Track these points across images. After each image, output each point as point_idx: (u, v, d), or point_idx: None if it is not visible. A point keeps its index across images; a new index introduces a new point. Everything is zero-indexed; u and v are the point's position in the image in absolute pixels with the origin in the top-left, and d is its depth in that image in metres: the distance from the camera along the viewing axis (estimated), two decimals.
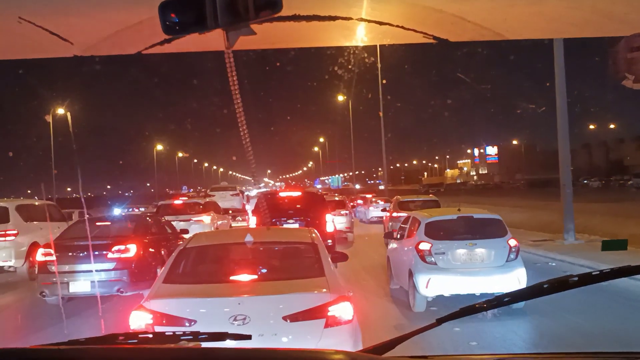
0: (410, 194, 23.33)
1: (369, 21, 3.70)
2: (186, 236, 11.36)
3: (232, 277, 4.63)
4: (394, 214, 16.92)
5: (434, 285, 7.57)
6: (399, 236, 9.31)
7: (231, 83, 2.95)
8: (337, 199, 22.71)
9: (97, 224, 10.35)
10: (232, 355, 1.38)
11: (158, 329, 3.89)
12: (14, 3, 3.78)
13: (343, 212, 19.76)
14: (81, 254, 8.57)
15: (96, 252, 8.53)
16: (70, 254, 8.67)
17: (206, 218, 16.89)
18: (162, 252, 9.91)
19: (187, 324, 3.92)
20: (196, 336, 1.74)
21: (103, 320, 7.00)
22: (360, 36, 3.98)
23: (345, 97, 40.05)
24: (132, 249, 8.89)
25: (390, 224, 16.28)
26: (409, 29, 3.67)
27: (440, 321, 1.58)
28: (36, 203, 14.98)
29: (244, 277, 4.60)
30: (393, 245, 9.60)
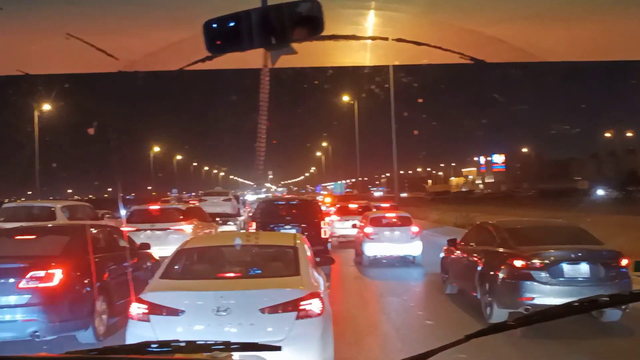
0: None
1: (407, 41, 3.80)
2: (150, 250, 9.15)
3: (219, 274, 5.23)
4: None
5: (371, 250, 13.96)
6: (359, 225, 15.58)
7: (262, 99, 3.06)
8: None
9: (16, 237, 7.69)
10: None
11: (152, 317, 4.52)
12: (63, 20, 3.91)
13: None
14: None
15: (2, 280, 6.26)
16: None
17: (187, 227, 14.38)
18: (108, 276, 7.30)
19: (179, 314, 4.51)
20: (228, 346, 1.78)
21: None
22: (397, 56, 4.08)
23: (352, 104, 39.97)
24: (56, 276, 6.39)
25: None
26: (446, 50, 3.76)
27: (468, 337, 1.58)
28: (76, 204, 15.63)
29: (229, 275, 5.22)
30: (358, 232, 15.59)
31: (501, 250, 7.84)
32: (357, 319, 8.10)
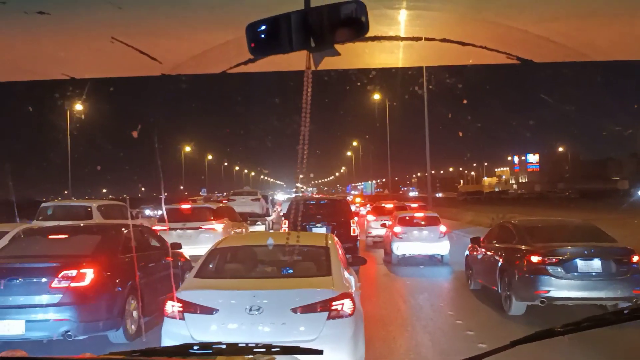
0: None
1: (451, 42, 3.71)
2: (181, 250, 9.25)
3: (251, 274, 5.34)
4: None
5: (400, 249, 14.42)
6: (388, 225, 16.16)
7: (304, 102, 3.02)
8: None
9: (49, 237, 7.64)
10: None
11: (187, 315, 4.61)
12: (108, 25, 3.96)
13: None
14: (14, 282, 6.22)
15: (35, 280, 6.24)
16: None
17: (218, 226, 14.55)
18: (139, 276, 7.21)
19: (213, 313, 4.56)
20: (269, 349, 1.76)
21: None
22: (441, 57, 3.99)
23: (383, 104, 39.74)
24: (88, 275, 6.36)
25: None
26: (492, 50, 3.66)
27: (514, 343, 1.55)
28: (111, 204, 15.98)
29: (262, 274, 5.37)
30: (387, 232, 16.12)
31: (519, 247, 8.46)
32: (386, 316, 8.19)
